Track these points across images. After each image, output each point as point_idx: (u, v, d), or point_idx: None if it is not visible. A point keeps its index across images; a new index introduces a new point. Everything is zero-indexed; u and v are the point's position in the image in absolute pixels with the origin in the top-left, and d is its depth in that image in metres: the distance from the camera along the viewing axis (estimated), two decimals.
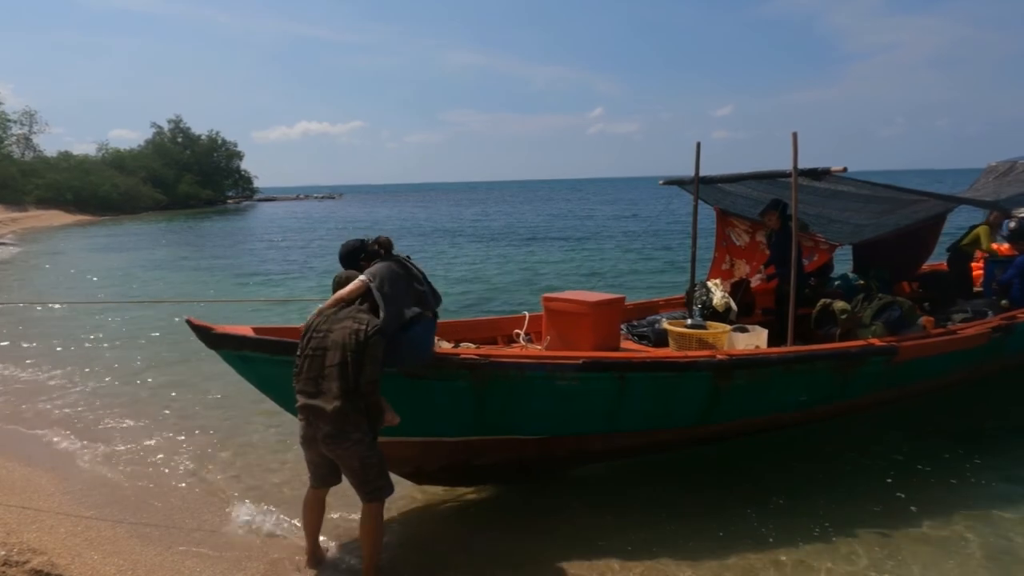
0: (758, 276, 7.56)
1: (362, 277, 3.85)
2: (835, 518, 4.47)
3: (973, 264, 8.58)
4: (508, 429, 4.57)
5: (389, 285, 3.82)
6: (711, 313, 6.60)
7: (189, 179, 72.72)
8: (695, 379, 4.80)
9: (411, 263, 4.11)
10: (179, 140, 79.18)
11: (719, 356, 4.89)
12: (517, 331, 6.22)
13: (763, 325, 6.13)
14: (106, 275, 18.74)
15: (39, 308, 12.67)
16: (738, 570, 3.96)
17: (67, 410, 6.95)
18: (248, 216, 56.41)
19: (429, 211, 57.34)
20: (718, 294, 6.76)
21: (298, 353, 3.70)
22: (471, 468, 4.74)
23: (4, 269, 20.67)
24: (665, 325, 5.99)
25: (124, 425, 6.54)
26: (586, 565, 3.99)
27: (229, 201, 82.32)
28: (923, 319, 6.20)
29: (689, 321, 6.06)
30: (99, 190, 56.43)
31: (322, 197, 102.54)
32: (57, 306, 12.96)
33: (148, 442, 6.07)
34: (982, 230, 8.25)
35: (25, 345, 9.92)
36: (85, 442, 6.05)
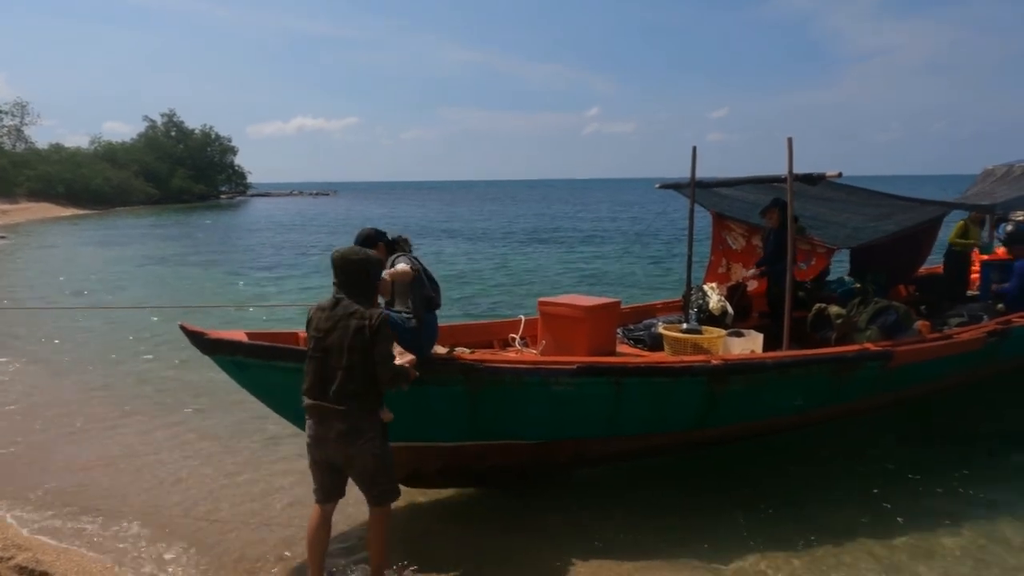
0: (748, 271, 7.48)
1: (406, 265, 4.12)
2: (830, 522, 4.47)
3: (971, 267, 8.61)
4: (504, 434, 4.56)
5: (424, 273, 4.26)
6: (707, 317, 6.58)
7: (182, 173, 72.20)
8: (690, 384, 4.79)
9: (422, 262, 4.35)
10: (172, 134, 78.52)
11: (714, 361, 4.88)
12: (513, 335, 6.20)
13: (759, 329, 6.12)
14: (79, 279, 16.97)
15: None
16: (735, 573, 3.97)
17: (56, 408, 6.89)
18: (239, 212, 55.95)
19: (424, 209, 57.22)
20: (714, 298, 6.75)
21: (308, 354, 3.56)
22: (468, 472, 4.72)
23: None
24: (660, 330, 5.97)
25: (106, 418, 6.56)
26: (585, 566, 4.01)
27: (222, 196, 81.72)
28: (919, 323, 6.19)
29: (684, 326, 6.05)
30: (91, 183, 56.05)
31: (316, 194, 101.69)
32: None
33: (131, 437, 6.06)
34: (962, 223, 8.43)
35: None
36: (69, 438, 6.05)
